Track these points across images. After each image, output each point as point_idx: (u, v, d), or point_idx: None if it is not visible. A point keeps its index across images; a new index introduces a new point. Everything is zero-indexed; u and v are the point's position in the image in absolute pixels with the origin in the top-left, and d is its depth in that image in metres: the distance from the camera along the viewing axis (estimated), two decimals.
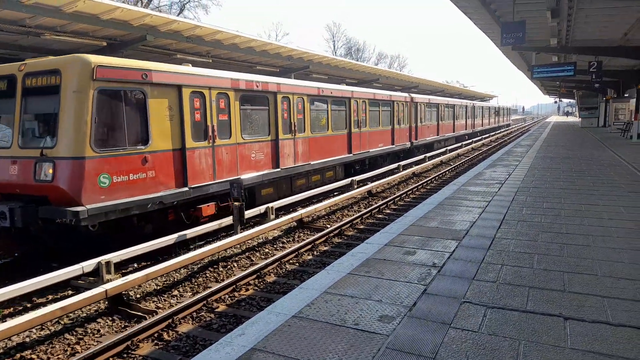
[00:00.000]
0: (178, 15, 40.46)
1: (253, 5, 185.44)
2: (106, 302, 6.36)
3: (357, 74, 24.65)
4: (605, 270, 4.72)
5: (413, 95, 24.06)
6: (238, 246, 9.06)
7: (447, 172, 19.68)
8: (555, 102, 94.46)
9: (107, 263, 7.11)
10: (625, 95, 32.19)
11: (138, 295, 6.83)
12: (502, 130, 55.80)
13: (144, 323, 5.59)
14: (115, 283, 6.24)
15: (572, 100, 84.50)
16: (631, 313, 3.75)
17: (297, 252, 8.61)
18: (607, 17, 14.20)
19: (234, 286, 6.98)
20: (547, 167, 13.31)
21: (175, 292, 7.02)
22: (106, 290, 6.01)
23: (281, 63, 18.59)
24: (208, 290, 6.60)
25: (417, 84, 33.85)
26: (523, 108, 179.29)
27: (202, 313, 6.21)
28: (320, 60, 20.07)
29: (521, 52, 21.28)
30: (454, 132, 33.33)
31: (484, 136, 41.76)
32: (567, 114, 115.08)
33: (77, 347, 5.39)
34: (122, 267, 7.89)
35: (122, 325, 5.92)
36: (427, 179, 17.26)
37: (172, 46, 14.16)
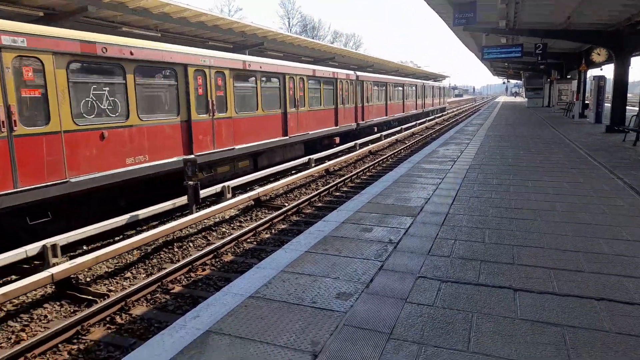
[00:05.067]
0: None
1: None
2: (53, 287, 6.06)
3: (313, 52, 24.35)
4: (551, 243, 4.97)
5: (359, 73, 23.04)
6: (194, 226, 8.85)
7: (402, 150, 20.02)
8: (504, 82, 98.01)
9: (53, 246, 6.74)
10: (568, 76, 33.74)
11: (88, 279, 6.55)
12: (445, 112, 52.40)
13: (95, 307, 5.37)
14: (62, 267, 5.94)
15: (519, 82, 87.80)
16: (575, 283, 3.97)
17: (254, 231, 8.52)
18: (552, 1, 14.68)
19: (190, 266, 6.83)
20: (496, 145, 13.80)
21: (129, 275, 6.79)
22: (52, 274, 5.71)
23: (234, 39, 18.02)
24: (163, 272, 6.41)
25: (373, 64, 33.92)
26: (474, 88, 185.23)
27: (157, 295, 6.04)
28: (275, 37, 19.63)
29: (472, 33, 21.69)
30: (403, 112, 32.64)
31: (435, 116, 42.22)
32: (514, 94, 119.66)
33: (22, 334, 5.11)
34: (71, 250, 7.53)
35: (72, 310, 5.66)
36: (383, 157, 17.49)
37: (117, 18, 13.38)
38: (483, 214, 6.20)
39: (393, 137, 23.78)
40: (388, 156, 17.91)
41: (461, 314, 3.45)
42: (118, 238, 8.25)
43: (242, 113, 12.91)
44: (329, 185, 12.11)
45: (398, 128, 28.52)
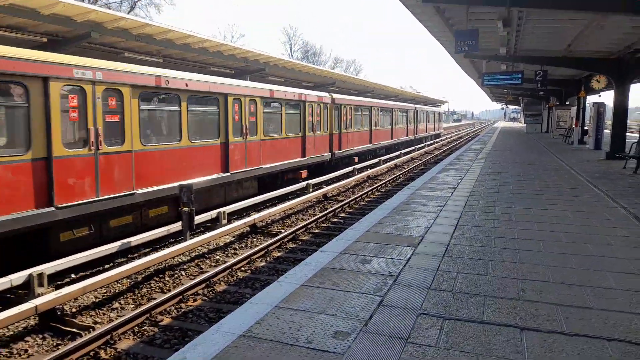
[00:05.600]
0: (129, 13, 38.85)
1: (208, 5, 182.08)
2: (37, 319, 5.80)
3: (313, 77, 24.50)
4: (557, 277, 4.76)
5: (336, 95, 20.43)
6: (187, 253, 8.62)
7: (401, 176, 19.89)
8: (502, 108, 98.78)
9: (40, 275, 6.51)
10: (567, 103, 33.94)
11: (74, 310, 6.29)
12: (436, 140, 47.04)
13: (79, 341, 5.11)
14: (47, 297, 5.69)
15: (517, 107, 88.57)
16: (584, 321, 3.75)
17: (249, 259, 8.29)
18: (553, 29, 14.81)
19: (181, 297, 6.58)
20: (496, 171, 13.66)
21: (116, 305, 6.52)
22: (36, 306, 5.47)
23: (236, 64, 18.11)
24: (152, 302, 6.17)
25: (373, 89, 34.14)
26: (472, 113, 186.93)
27: (145, 327, 5.78)
28: (277, 62, 19.76)
29: (472, 60, 21.90)
30: (391, 139, 29.95)
31: (427, 143, 40.23)
32: (513, 119, 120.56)
33: None
34: (59, 278, 7.28)
35: (54, 344, 5.39)
36: (382, 182, 17.34)
37: (120, 44, 13.45)
38: (485, 244, 5.99)
39: (392, 162, 23.70)
40: (387, 181, 17.76)
41: (466, 356, 3.22)
42: (108, 266, 8.00)
43: (152, 145, 9.75)
44: (327, 211, 11.92)
45: (397, 153, 28.37)
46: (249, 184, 13.75)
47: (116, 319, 5.90)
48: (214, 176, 11.59)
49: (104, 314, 6.21)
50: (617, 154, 16.36)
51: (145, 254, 8.49)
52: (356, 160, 22.76)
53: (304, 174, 16.82)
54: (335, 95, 20.20)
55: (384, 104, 28.41)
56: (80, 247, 7.95)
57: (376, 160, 24.05)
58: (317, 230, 10.61)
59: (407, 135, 34.34)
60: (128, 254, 8.60)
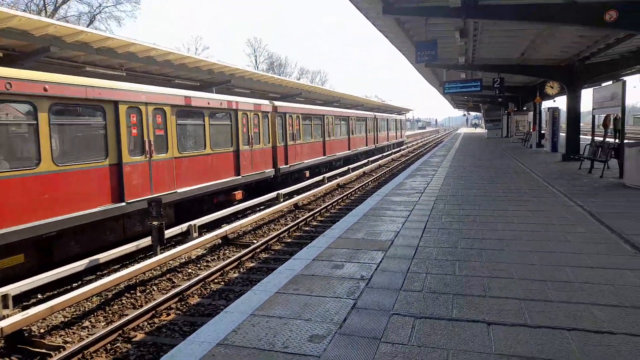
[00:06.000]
0: (88, 26, 38.03)
1: (171, 18, 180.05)
2: (2, 342, 5.60)
3: (280, 89, 24.63)
4: (520, 273, 5.00)
5: (278, 103, 18.12)
6: (158, 268, 8.50)
7: (369, 183, 20.20)
8: (464, 114, 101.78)
9: (4, 296, 6.29)
10: (524, 108, 35.37)
11: (42, 330, 6.11)
12: (400, 147, 45.92)
13: None
14: (12, 319, 5.52)
15: (478, 113, 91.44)
16: (545, 314, 3.97)
17: (222, 271, 8.26)
18: (507, 39, 15.49)
19: (154, 312, 6.50)
20: (460, 175, 14.11)
21: (87, 323, 6.38)
22: (1, 328, 5.29)
23: (201, 77, 18.03)
24: (124, 319, 6.07)
25: (339, 99, 34.60)
26: (436, 120, 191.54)
27: (118, 344, 5.69)
28: (243, 74, 19.78)
29: (433, 69, 22.58)
30: (349, 149, 28.08)
31: (394, 150, 39.99)
32: (474, 125, 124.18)
33: None
34: (25, 299, 7.05)
35: None
36: (352, 189, 17.57)
37: (81, 58, 13.19)
38: (452, 245, 6.22)
39: (360, 170, 24.03)
40: (356, 189, 18.01)
41: (437, 351, 3.37)
42: (76, 284, 7.80)
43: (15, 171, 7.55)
44: (298, 220, 11.99)
45: (365, 160, 28.74)
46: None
47: (87, 337, 5.78)
48: (98, 209, 8.98)
49: (74, 333, 6.07)
50: (572, 155, 17.19)
51: (115, 271, 8.33)
52: (307, 174, 20.57)
53: (239, 195, 14.40)
54: (277, 103, 17.95)
55: (339, 112, 26.52)
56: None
57: (345, 168, 24.29)
58: (289, 240, 10.66)
59: (366, 145, 32.66)
60: (97, 271, 8.40)
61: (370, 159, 29.98)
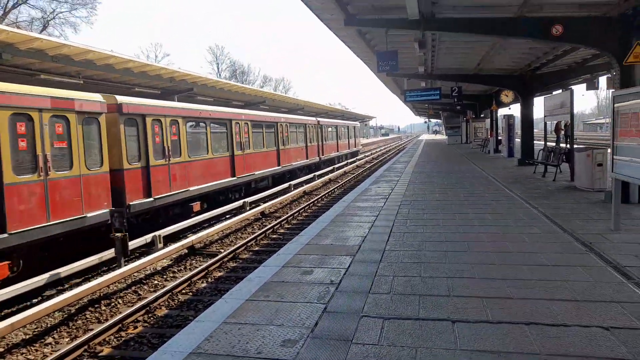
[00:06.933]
0: (41, 32, 36.64)
1: (130, 24, 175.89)
2: None
3: (243, 97, 24.59)
4: (482, 273, 5.24)
5: (127, 100, 11.28)
6: (123, 280, 8.31)
7: (335, 190, 20.41)
8: (425, 122, 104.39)
9: None
10: (482, 115, 36.69)
11: (2, 349, 5.86)
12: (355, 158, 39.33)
13: None
14: None
15: (439, 120, 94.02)
16: (506, 310, 4.19)
17: (190, 281, 8.17)
18: (464, 50, 16.18)
19: (120, 325, 6.36)
20: (423, 181, 14.52)
21: (50, 340, 6.17)
22: None
23: (162, 85, 17.80)
24: (89, 334, 5.92)
25: (303, 106, 34.86)
26: (398, 128, 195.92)
27: None
28: (205, 82, 19.65)
29: (394, 78, 23.16)
30: (279, 165, 21.74)
31: (358, 157, 36.64)
32: (435, 132, 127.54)
33: None
34: None
35: None
36: (318, 196, 17.70)
37: (35, 66, 12.76)
38: (417, 248, 6.43)
39: (326, 177, 24.23)
40: (322, 195, 18.16)
41: (405, 350, 3.51)
42: (36, 300, 7.53)
43: None
44: (266, 228, 12.00)
45: (330, 168, 28.69)
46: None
47: (51, 354, 5.60)
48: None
49: (36, 350, 5.86)
50: (527, 160, 18.01)
51: (78, 285, 8.09)
52: (197, 208, 13.71)
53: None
54: (124, 100, 11.12)
55: (260, 117, 19.77)
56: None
57: (311, 175, 24.29)
58: (257, 248, 10.65)
59: (306, 158, 26.05)
60: (58, 285, 8.13)
61: (336, 165, 30.11)
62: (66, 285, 8.22)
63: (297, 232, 10.18)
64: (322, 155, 29.73)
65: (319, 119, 30.18)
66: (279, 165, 21.79)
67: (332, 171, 27.68)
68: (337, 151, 34.45)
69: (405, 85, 24.14)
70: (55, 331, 6.41)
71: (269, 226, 12.28)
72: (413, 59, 15.72)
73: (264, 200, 17.20)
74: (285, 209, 15.96)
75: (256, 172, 18.82)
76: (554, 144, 19.18)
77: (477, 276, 5.14)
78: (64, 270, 8.07)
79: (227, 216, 14.35)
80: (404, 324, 3.97)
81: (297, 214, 14.48)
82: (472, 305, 4.33)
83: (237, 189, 17.38)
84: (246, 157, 17.95)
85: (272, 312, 4.34)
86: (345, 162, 33.23)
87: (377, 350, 3.51)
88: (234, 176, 16.66)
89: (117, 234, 8.72)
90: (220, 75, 72.44)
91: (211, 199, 15.16)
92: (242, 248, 10.31)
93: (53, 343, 6.07)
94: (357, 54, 17.13)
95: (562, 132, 21.28)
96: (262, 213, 14.62)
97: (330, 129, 32.88)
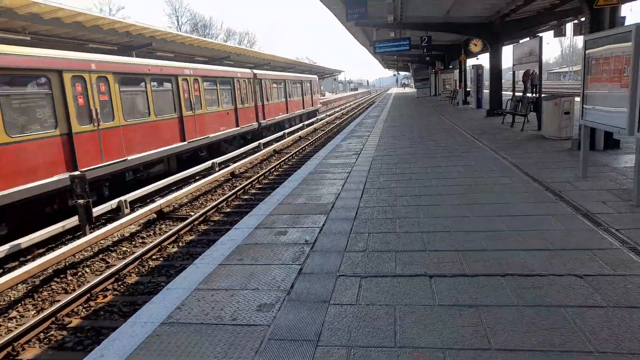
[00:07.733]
0: None
1: None
2: None
3: (206, 52, 23.52)
4: (456, 226, 5.23)
5: (52, 53, 9.74)
6: (89, 248, 8.02)
7: (306, 147, 20.17)
8: (394, 75, 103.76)
9: None
10: (450, 67, 36.56)
11: None
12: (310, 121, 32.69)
13: None
14: None
15: (408, 73, 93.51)
16: (481, 262, 4.19)
17: (160, 246, 7.94)
18: None
19: (89, 295, 6.15)
20: (394, 135, 14.44)
21: (14, 314, 5.92)
22: None
23: (118, 40, 16.72)
24: (56, 305, 5.69)
25: (269, 61, 33.76)
26: (367, 82, 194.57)
27: (52, 332, 5.34)
28: (165, 37, 18.59)
29: (363, 28, 22.53)
30: (184, 140, 14.84)
31: (320, 117, 32.54)
32: (404, 85, 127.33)
33: None
34: None
35: None
36: (289, 154, 17.45)
37: None
38: (391, 204, 6.37)
39: (296, 135, 23.88)
40: (293, 154, 17.92)
41: (384, 308, 3.45)
42: None
43: None
44: (237, 189, 11.75)
45: (300, 125, 28.28)
46: None
47: (16, 328, 5.36)
48: None
49: (0, 325, 5.60)
50: (496, 111, 18.13)
51: (41, 255, 7.74)
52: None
53: None
54: (23, 51, 9.10)
55: (161, 67, 13.99)
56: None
57: (281, 133, 23.88)
58: (228, 210, 10.44)
59: (237, 126, 19.78)
60: (20, 257, 7.77)
61: (306, 122, 29.58)
62: (29, 257, 7.86)
63: (269, 192, 10.01)
64: (264, 119, 23.86)
65: (256, 70, 23.64)
66: (183, 140, 14.95)
67: (302, 128, 27.21)
68: (287, 112, 28.31)
69: (375, 36, 23.55)
70: (20, 304, 6.15)
71: (240, 187, 12.04)
72: (382, 7, 15.22)
73: (234, 160, 16.82)
74: (256, 169, 15.69)
75: (152, 151, 13.08)
76: (521, 94, 19.32)
77: (452, 229, 5.13)
78: (25, 241, 7.69)
79: (197, 177, 13.99)
80: (381, 282, 3.91)
81: (268, 173, 14.24)
82: (448, 259, 4.31)
83: (118, 174, 11.89)
84: (135, 129, 12.44)
85: (246, 276, 4.20)
86: (300, 124, 27.76)
87: (356, 310, 3.45)
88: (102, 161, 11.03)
89: (79, 201, 8.33)
90: (180, 29, 69.10)
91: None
92: (213, 210, 10.08)
93: (18, 317, 5.82)
94: (325, 3, 16.46)
95: (529, 82, 21.43)
96: (232, 173, 14.31)
97: (274, 84, 26.10)
